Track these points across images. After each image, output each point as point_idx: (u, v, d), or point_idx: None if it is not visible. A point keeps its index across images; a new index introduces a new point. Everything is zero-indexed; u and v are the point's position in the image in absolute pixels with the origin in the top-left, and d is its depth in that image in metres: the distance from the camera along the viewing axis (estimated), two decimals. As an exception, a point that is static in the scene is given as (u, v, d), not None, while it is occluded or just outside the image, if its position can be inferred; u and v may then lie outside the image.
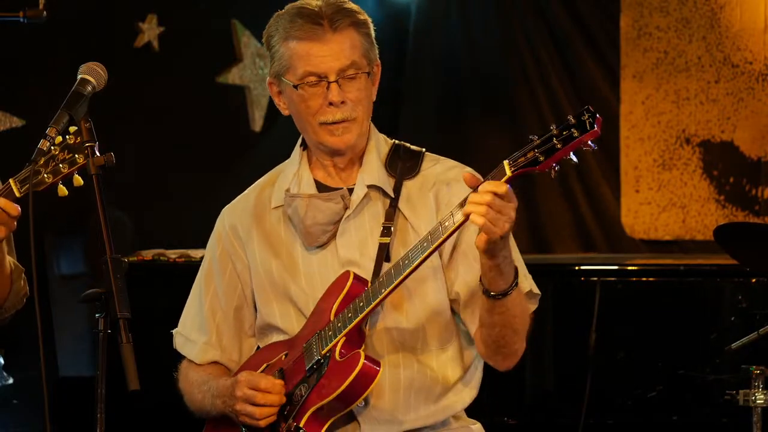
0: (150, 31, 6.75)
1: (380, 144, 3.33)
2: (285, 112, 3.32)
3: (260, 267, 3.32)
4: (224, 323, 3.39)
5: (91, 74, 2.93)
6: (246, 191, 3.44)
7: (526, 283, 3.21)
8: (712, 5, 7.32)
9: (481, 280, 3.05)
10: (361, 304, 3.12)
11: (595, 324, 5.34)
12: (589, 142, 2.84)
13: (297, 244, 3.29)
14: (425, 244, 3.02)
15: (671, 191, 7.39)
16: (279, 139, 7.02)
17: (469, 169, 3.29)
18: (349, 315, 3.13)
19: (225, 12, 7.06)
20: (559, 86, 7.54)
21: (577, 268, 5.65)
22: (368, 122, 3.30)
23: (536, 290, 3.25)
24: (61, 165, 3.03)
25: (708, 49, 7.34)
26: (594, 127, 2.82)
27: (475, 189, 2.93)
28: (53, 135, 2.85)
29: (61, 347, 6.15)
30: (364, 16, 3.26)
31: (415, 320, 3.23)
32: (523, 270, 3.20)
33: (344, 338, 3.14)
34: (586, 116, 2.82)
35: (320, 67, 3.18)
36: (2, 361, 5.64)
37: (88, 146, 2.87)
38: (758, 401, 4.43)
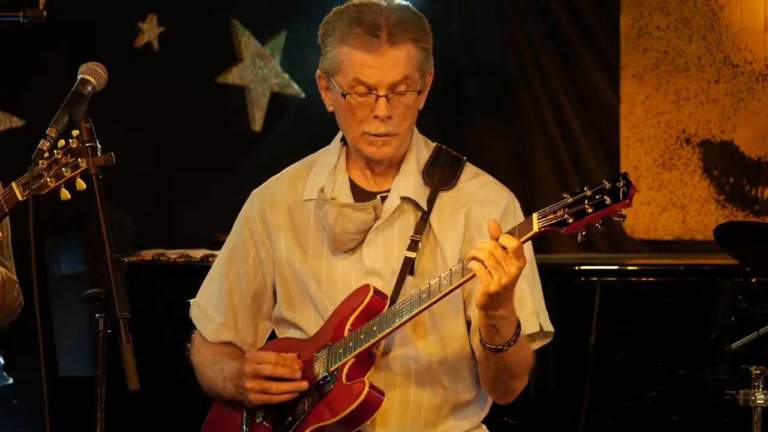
0: (150, 31, 6.76)
1: (421, 150, 3.28)
2: (330, 109, 3.25)
3: (284, 262, 3.29)
4: (241, 306, 3.36)
5: (91, 74, 2.93)
6: (278, 176, 3.38)
7: (535, 322, 3.15)
8: (712, 5, 7.33)
9: (479, 330, 3.01)
10: (375, 328, 3.08)
11: (595, 324, 5.34)
12: (620, 212, 2.77)
13: (324, 245, 3.25)
14: (444, 282, 2.97)
15: (671, 191, 7.40)
16: (279, 139, 7.04)
17: (505, 199, 3.22)
18: (362, 336, 3.09)
19: (225, 12, 7.06)
20: (559, 86, 7.54)
21: (577, 268, 5.64)
22: (411, 134, 3.25)
23: (548, 327, 3.20)
24: (63, 169, 3.03)
25: (708, 49, 7.34)
26: (627, 198, 2.74)
27: (495, 238, 2.87)
28: (53, 135, 2.85)
29: (61, 347, 6.14)
30: (425, 29, 3.18)
31: (432, 347, 3.20)
32: (536, 306, 3.16)
33: (354, 359, 3.11)
34: (621, 183, 2.75)
35: (372, 79, 3.11)
36: (2, 361, 5.64)
37: (88, 146, 2.87)
38: (758, 401, 4.43)
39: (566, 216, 2.79)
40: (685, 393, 5.34)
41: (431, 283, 3.00)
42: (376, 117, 3.13)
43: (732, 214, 7.32)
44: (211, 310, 3.38)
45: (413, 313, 3.01)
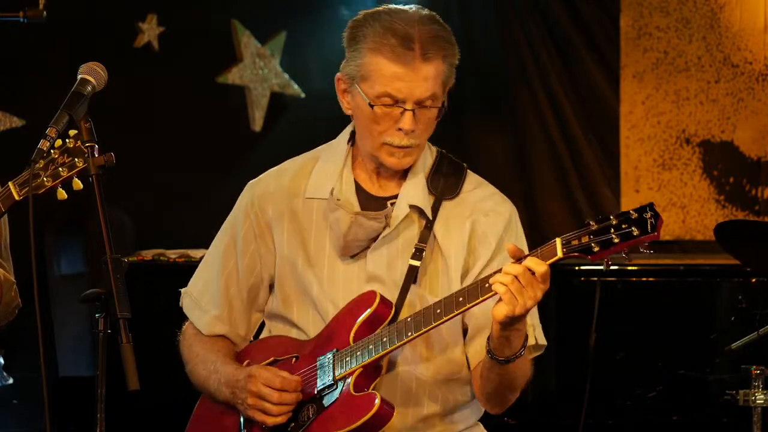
0: (150, 31, 6.76)
1: (426, 156, 3.28)
2: (347, 112, 3.23)
3: (285, 259, 3.27)
4: (237, 299, 3.34)
5: (91, 74, 2.93)
6: (278, 170, 3.36)
7: (531, 335, 3.15)
8: (712, 5, 7.32)
9: (488, 341, 3.02)
10: (385, 339, 3.07)
11: (595, 324, 5.33)
12: (647, 244, 2.76)
13: (327, 245, 3.24)
14: (461, 299, 2.97)
15: (671, 191, 7.39)
16: (279, 139, 7.04)
17: (518, 223, 3.25)
18: (370, 347, 3.08)
19: (225, 12, 7.06)
20: (559, 86, 7.54)
21: (577, 268, 5.64)
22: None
23: (542, 341, 3.21)
24: (60, 169, 3.04)
25: (708, 49, 7.34)
26: (654, 231, 2.75)
27: (517, 260, 2.88)
28: (53, 135, 2.85)
29: (61, 347, 6.14)
30: (454, 44, 3.16)
31: (434, 361, 3.20)
32: (533, 319, 3.16)
33: (362, 369, 3.10)
34: (649, 215, 2.76)
35: (401, 93, 3.10)
36: (2, 361, 5.64)
37: (88, 146, 2.87)
38: (758, 401, 4.43)
39: (592, 244, 2.80)
40: (685, 393, 5.34)
41: (444, 299, 2.99)
42: (400, 129, 3.12)
43: (732, 214, 7.31)
44: (205, 302, 3.37)
45: (427, 328, 3.01)
